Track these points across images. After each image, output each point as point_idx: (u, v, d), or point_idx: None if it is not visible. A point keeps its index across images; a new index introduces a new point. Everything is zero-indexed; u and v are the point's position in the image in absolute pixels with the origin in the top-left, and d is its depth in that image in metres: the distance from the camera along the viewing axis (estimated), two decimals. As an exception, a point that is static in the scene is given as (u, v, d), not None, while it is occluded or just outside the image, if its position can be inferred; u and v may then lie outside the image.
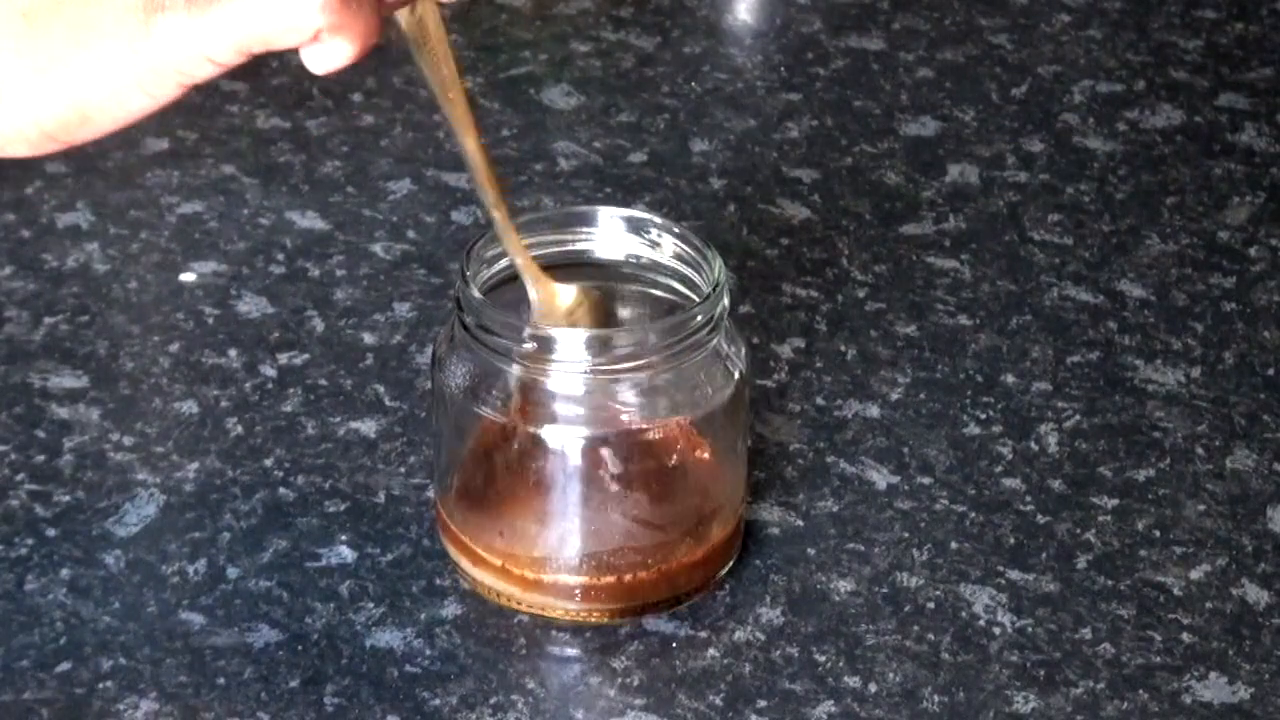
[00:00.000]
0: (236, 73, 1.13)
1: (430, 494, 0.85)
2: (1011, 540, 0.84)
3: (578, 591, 0.79)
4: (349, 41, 0.63)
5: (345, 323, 0.95)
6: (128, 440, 0.88)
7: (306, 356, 0.93)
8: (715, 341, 0.79)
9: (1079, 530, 0.85)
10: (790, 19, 1.23)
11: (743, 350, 0.81)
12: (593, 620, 0.79)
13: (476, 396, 0.79)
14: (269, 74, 1.14)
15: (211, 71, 0.64)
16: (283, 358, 0.93)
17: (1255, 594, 0.82)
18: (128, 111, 0.65)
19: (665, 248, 0.82)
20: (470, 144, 0.77)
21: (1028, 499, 0.86)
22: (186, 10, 0.62)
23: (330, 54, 0.63)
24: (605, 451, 0.78)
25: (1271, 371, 0.94)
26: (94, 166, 1.06)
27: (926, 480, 0.87)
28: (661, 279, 0.82)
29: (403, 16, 0.71)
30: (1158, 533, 0.85)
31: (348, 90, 1.13)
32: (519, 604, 0.80)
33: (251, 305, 0.96)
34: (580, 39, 1.20)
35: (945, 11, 1.23)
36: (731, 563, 0.82)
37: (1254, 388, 0.93)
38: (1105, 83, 1.17)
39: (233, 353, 0.93)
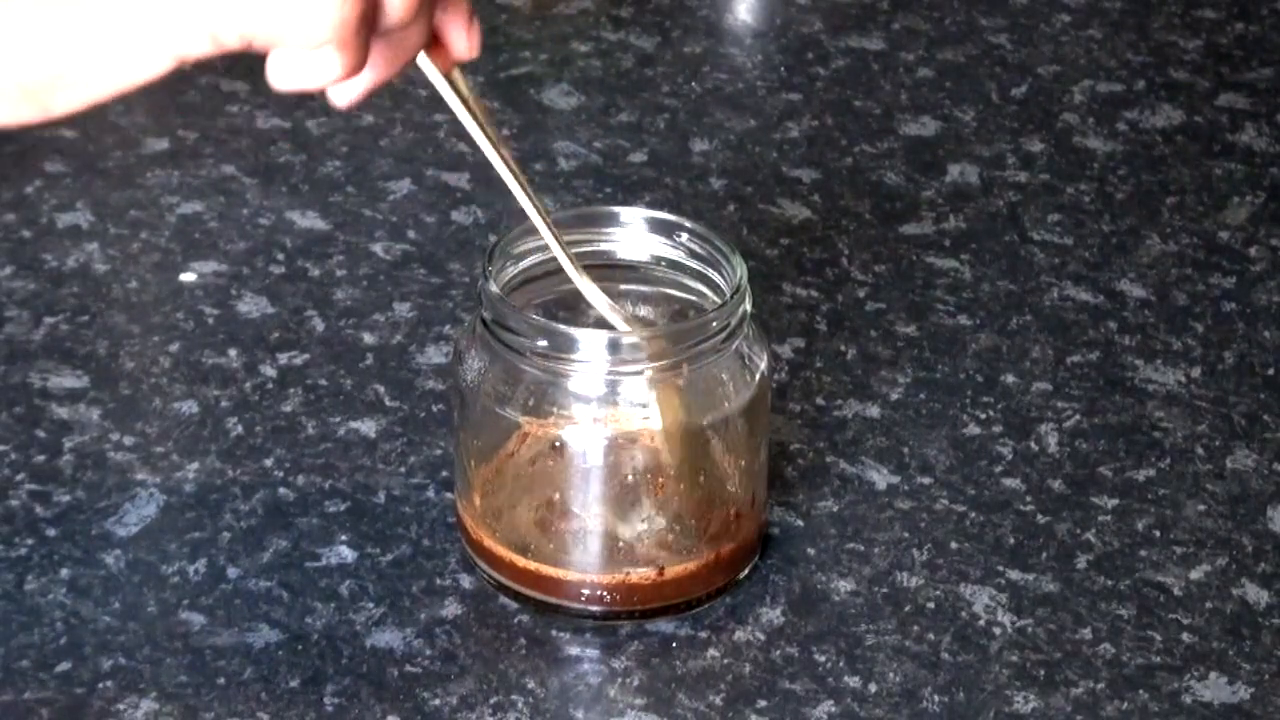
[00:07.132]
0: (237, 73, 1.14)
1: (430, 494, 0.85)
2: (1011, 540, 0.84)
3: (592, 592, 0.79)
4: (340, 65, 0.63)
5: (345, 323, 0.95)
6: (128, 440, 0.87)
7: (306, 356, 0.93)
8: (736, 344, 0.78)
9: (1079, 530, 0.85)
10: (790, 19, 1.23)
11: (765, 353, 0.80)
12: (607, 621, 0.79)
13: (496, 394, 0.79)
14: (269, 74, 1.14)
15: (207, 51, 0.63)
16: (283, 358, 0.93)
17: (1255, 594, 0.82)
18: (113, 80, 0.63)
19: (688, 249, 0.81)
20: (522, 189, 0.75)
21: (1028, 499, 0.86)
22: None
23: (320, 69, 0.63)
24: (624, 453, 0.78)
25: (1271, 371, 0.94)
26: (94, 166, 1.06)
27: (926, 480, 0.87)
28: (684, 280, 0.82)
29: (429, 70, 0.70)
30: (1158, 533, 0.85)
31: (348, 90, 1.13)
32: (532, 602, 0.80)
33: (251, 305, 0.96)
34: (580, 39, 1.20)
35: (945, 11, 1.23)
36: (750, 567, 0.82)
37: (1254, 388, 0.93)
38: (1105, 83, 1.17)
39: (233, 353, 0.93)
